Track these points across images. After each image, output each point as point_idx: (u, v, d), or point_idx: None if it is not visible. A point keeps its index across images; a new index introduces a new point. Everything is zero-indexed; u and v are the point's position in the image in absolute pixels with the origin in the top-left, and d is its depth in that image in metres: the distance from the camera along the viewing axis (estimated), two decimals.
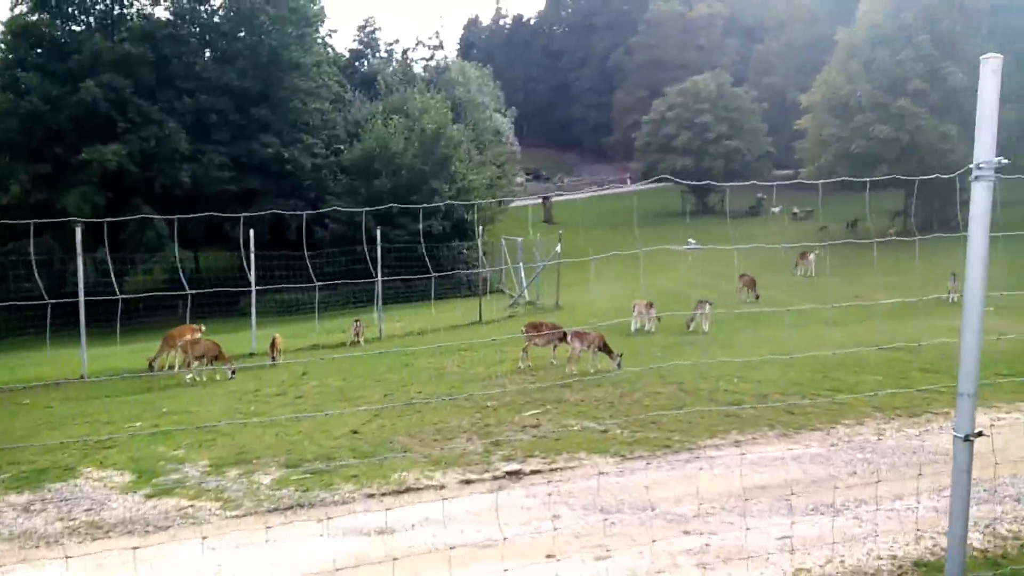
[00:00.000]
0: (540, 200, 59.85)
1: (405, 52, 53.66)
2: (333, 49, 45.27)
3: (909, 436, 8.32)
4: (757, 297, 21.97)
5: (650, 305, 18.17)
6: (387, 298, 28.28)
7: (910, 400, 9.60)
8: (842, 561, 5.51)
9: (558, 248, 25.04)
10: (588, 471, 7.82)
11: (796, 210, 50.34)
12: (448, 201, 33.53)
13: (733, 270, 25.03)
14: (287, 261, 29.81)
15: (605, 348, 13.13)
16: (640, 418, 9.57)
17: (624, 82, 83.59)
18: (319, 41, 38.87)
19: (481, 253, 36.53)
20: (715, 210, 58.28)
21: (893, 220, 36.17)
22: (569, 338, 13.42)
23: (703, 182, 41.16)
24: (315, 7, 37.78)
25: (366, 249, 19.83)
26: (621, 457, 8.16)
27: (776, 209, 53.15)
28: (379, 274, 20.08)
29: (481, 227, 37.32)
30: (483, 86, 50.34)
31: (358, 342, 18.92)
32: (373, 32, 52.18)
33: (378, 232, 19.21)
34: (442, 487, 7.60)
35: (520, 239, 30.55)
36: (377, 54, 52.79)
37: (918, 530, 5.87)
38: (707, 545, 5.90)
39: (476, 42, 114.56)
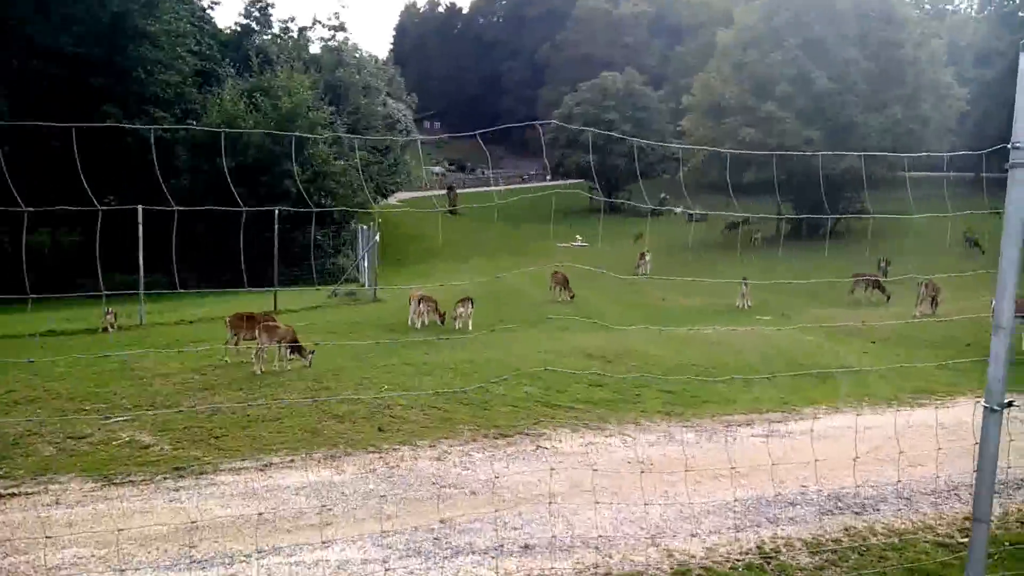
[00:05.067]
0: (445, 191, 58.54)
1: (302, 31, 51.06)
2: (209, 24, 42.77)
3: (458, 464, 7.00)
4: (572, 297, 20.70)
5: (422, 299, 16.81)
6: (214, 283, 26.43)
7: (527, 416, 8.33)
8: None
9: (376, 238, 23.51)
10: (43, 499, 6.31)
11: (690, 211, 50.02)
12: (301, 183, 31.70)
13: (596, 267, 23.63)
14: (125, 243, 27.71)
15: (295, 344, 11.73)
16: (211, 431, 8.10)
17: (552, 77, 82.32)
18: (178, 10, 36.43)
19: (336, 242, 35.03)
20: (622, 209, 57.58)
21: (752, 224, 35.45)
22: (257, 332, 11.96)
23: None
24: None
25: (171, 236, 18.26)
26: (107, 481, 6.67)
27: (678, 210, 52.68)
28: (140, 258, 18.35)
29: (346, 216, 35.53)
30: (378, 71, 48.38)
31: (107, 330, 17.12)
32: (265, 8, 49.72)
33: (139, 211, 17.35)
34: None
35: (365, 227, 28.88)
36: (270, 31, 50.31)
37: None
38: None
39: (409, 28, 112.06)
